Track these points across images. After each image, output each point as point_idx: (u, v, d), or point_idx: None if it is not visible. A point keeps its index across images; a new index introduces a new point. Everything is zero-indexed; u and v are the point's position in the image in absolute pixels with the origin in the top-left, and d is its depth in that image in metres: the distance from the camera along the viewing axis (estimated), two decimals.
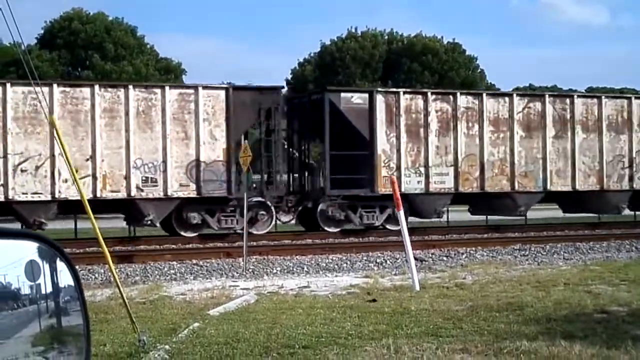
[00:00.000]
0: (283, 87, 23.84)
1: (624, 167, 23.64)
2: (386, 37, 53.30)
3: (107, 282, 12.98)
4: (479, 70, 54.35)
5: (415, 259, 13.40)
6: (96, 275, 14.31)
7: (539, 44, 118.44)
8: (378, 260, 16.24)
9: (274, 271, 14.96)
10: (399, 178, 20.51)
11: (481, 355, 6.93)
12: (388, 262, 16.07)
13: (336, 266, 15.63)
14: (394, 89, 22.54)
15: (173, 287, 12.80)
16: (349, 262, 16.06)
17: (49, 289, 1.94)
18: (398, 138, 21.08)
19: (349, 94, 21.37)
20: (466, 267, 14.90)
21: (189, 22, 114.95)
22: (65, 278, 1.98)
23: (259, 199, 20.26)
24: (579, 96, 23.95)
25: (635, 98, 24.47)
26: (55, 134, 8.46)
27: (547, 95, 23.52)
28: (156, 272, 14.88)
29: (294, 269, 15.25)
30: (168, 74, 45.81)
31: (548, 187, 22.61)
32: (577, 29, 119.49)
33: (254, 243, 18.11)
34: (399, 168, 21.01)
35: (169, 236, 20.06)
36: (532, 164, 22.45)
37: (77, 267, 2.06)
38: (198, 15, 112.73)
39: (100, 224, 8.91)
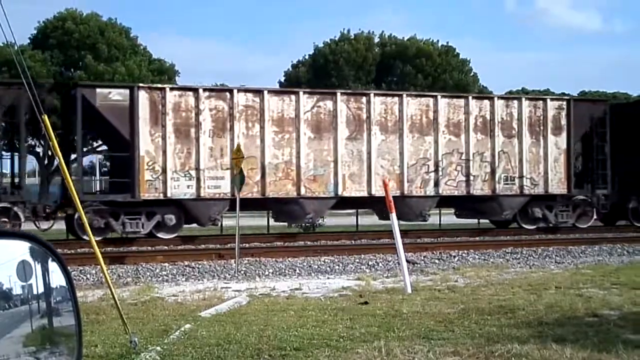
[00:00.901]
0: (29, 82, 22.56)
1: (429, 171, 21.91)
2: (379, 40, 53.35)
3: (99, 283, 12.95)
4: (472, 73, 54.45)
5: (408, 261, 13.42)
6: (88, 276, 14.28)
7: (533, 47, 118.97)
8: (370, 263, 16.25)
9: (266, 273, 14.95)
10: (164, 182, 19.32)
11: (472, 358, 6.93)
12: (380, 264, 16.07)
13: (328, 268, 15.64)
14: (159, 85, 20.41)
15: (165, 288, 12.78)
16: (341, 265, 16.06)
17: (41, 289, 1.93)
18: (164, 138, 19.39)
19: (106, 90, 19.47)
20: (458, 270, 14.91)
21: (182, 23, 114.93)
22: (57, 278, 1.98)
23: (4, 204, 18.48)
24: (376, 94, 22.22)
25: (442, 97, 22.65)
26: (48, 135, 8.42)
27: (339, 93, 21.61)
28: (148, 273, 14.85)
29: (286, 271, 15.24)
30: (161, 75, 45.70)
31: (340, 192, 21.01)
32: (570, 34, 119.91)
33: (247, 245, 18.12)
34: (165, 171, 19.40)
35: (162, 238, 19.99)
36: (322, 167, 20.87)
37: (69, 267, 2.05)
38: (192, 17, 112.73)
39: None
